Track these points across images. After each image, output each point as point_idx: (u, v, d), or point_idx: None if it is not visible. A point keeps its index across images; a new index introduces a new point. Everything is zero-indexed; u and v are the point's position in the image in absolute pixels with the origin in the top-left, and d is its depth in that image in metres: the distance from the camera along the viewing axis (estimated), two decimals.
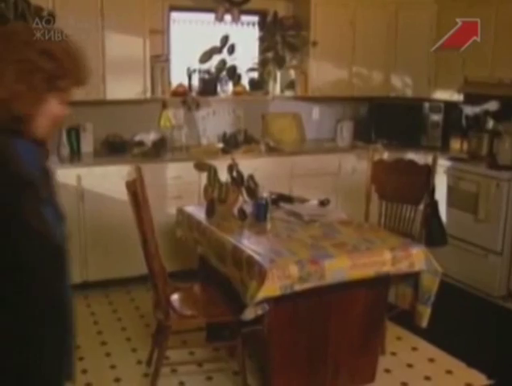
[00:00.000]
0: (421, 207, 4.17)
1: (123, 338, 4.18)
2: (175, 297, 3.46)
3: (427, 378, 3.75)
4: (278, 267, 2.98)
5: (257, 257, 3.07)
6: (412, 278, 3.46)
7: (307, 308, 3.26)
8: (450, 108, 5.86)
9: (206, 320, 3.39)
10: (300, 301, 3.17)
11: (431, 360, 3.95)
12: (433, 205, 4.08)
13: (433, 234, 3.95)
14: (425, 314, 3.43)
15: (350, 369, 3.53)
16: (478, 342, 4.19)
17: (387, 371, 3.78)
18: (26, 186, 1.60)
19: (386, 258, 3.24)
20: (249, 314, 2.97)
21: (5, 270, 1.58)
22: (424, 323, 3.47)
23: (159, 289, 3.23)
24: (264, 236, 3.48)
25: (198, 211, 3.90)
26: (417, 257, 3.34)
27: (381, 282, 3.41)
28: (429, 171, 4.08)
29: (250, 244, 3.27)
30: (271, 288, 2.94)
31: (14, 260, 1.58)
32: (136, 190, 3.05)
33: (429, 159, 4.26)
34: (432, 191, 4.13)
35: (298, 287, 3.01)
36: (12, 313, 1.60)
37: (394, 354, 3.99)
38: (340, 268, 3.11)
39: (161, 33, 5.39)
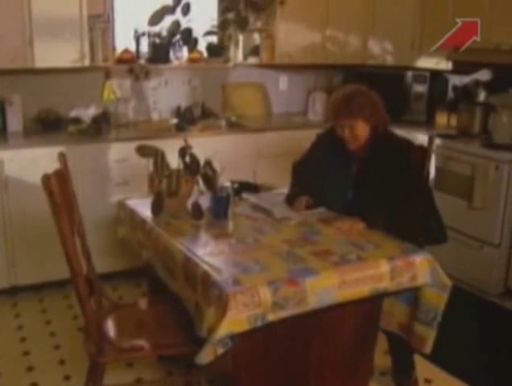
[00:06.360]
0: None
1: (55, 360, 3.43)
2: (110, 321, 2.69)
3: None
4: (245, 291, 2.22)
5: (215, 276, 2.31)
6: (405, 292, 2.76)
7: (284, 336, 2.54)
8: (435, 77, 5.28)
9: (153, 353, 2.63)
10: (274, 329, 2.42)
11: (428, 381, 3.30)
12: (429, 193, 3.35)
13: (431, 229, 3.20)
14: (429, 338, 2.73)
15: None
16: (471, 350, 3.58)
17: None
18: None
19: (383, 271, 2.52)
20: (206, 356, 2.21)
21: None
22: (428, 349, 2.78)
23: (88, 314, 2.46)
24: (225, 241, 2.72)
25: (143, 207, 3.13)
26: (421, 268, 2.61)
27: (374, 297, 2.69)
28: (424, 154, 3.37)
29: (207, 255, 2.51)
30: (236, 320, 2.19)
31: None
32: (52, 188, 2.26)
33: (413, 136, 3.66)
34: (427, 178, 3.45)
35: (272, 317, 2.26)
36: None
37: (383, 374, 3.33)
38: (326, 287, 2.37)
39: None
